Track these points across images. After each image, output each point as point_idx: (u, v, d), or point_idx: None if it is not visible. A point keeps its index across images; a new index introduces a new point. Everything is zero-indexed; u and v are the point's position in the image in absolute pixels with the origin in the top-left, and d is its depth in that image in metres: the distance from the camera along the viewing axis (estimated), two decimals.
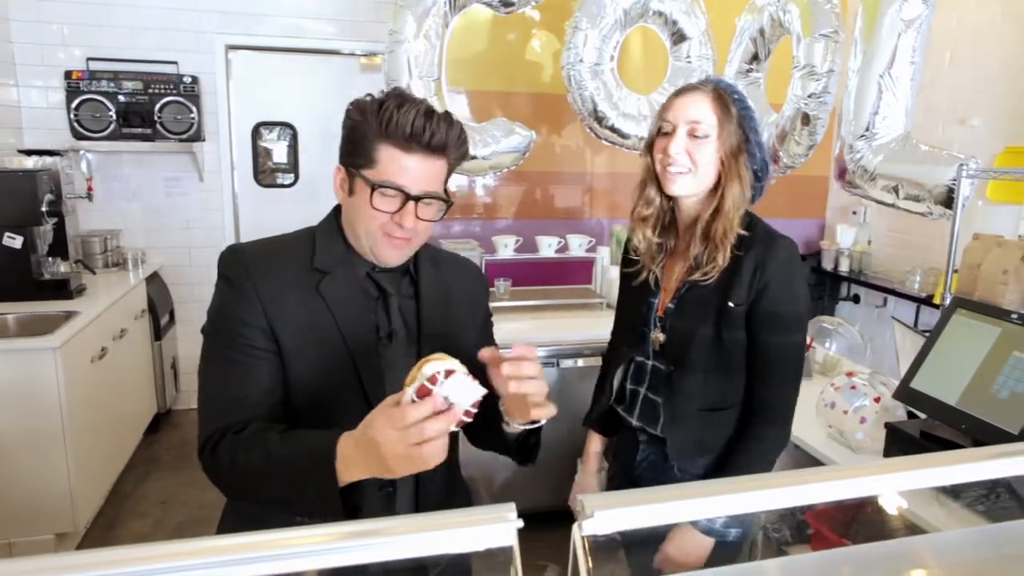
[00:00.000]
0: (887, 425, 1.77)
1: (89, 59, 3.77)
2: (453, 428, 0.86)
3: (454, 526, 0.60)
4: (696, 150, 1.34)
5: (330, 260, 1.09)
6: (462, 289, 1.23)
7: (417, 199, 1.04)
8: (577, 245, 3.41)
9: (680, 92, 1.39)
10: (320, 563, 0.58)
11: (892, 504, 1.57)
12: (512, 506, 0.61)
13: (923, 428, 1.71)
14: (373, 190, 1.02)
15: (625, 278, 1.58)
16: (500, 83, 4.29)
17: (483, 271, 1.34)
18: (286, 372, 1.05)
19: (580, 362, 2.91)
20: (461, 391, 0.86)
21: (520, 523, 0.60)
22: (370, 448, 0.86)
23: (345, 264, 1.10)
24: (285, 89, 4.15)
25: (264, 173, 4.27)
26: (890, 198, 2.47)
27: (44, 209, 2.99)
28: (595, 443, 1.67)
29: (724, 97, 1.35)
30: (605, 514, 0.61)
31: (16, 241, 2.95)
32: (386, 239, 1.06)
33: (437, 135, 1.02)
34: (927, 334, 1.83)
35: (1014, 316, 1.60)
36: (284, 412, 1.06)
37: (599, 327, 3.05)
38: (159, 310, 3.82)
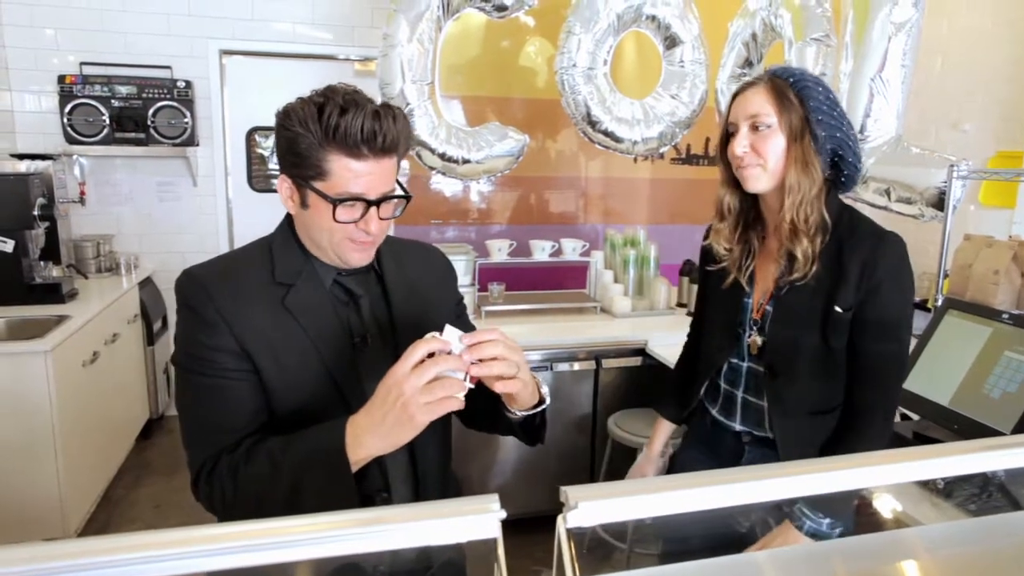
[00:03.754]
0: None
1: (83, 64, 3.77)
2: (461, 376, 0.90)
3: (436, 517, 0.59)
4: (760, 143, 1.32)
5: (291, 272, 1.06)
6: (428, 276, 1.21)
7: (378, 203, 1.01)
8: (571, 249, 3.41)
9: (738, 91, 1.38)
10: (298, 555, 0.57)
11: (886, 506, 1.57)
12: (495, 497, 0.60)
13: (916, 429, 1.71)
14: (335, 206, 0.98)
15: (708, 277, 1.54)
16: (495, 88, 4.29)
17: (447, 258, 1.31)
18: (265, 391, 1.03)
19: (576, 366, 2.90)
20: (456, 340, 0.92)
21: (503, 514, 0.59)
22: (385, 404, 0.88)
23: (308, 274, 1.07)
24: (279, 94, 4.08)
25: (258, 178, 4.26)
26: (882, 201, 2.47)
27: (36, 213, 2.98)
28: (663, 431, 1.67)
29: (780, 84, 1.32)
30: (590, 506, 0.61)
31: (7, 245, 2.94)
32: (351, 244, 1.04)
33: (388, 135, 0.98)
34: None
35: (1005, 316, 1.60)
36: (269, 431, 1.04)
37: (593, 331, 3.06)
38: (152, 315, 3.81)
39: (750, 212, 1.44)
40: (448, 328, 0.93)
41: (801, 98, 1.30)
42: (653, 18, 3.06)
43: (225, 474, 0.98)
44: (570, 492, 0.61)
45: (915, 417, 1.76)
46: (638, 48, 4.15)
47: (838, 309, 1.30)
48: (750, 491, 0.65)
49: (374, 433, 0.90)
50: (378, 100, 1.05)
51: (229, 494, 0.98)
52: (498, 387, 0.95)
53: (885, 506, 1.56)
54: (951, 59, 3.81)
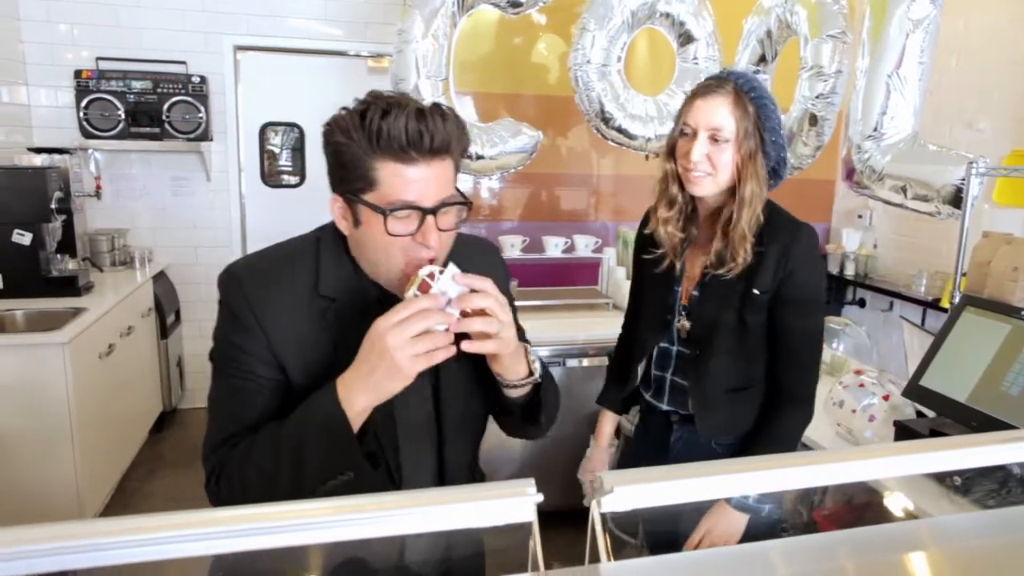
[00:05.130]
0: (896, 423, 1.76)
1: (98, 59, 3.79)
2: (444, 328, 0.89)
3: (472, 499, 0.60)
4: (716, 154, 1.38)
5: (336, 285, 1.01)
6: None
7: (434, 211, 0.93)
8: (583, 246, 3.41)
9: (701, 94, 1.39)
10: (336, 535, 0.58)
11: (903, 502, 1.57)
12: (531, 481, 0.61)
13: (932, 426, 1.71)
14: (386, 216, 0.91)
15: (644, 265, 1.61)
16: (506, 85, 4.30)
17: (503, 259, 1.24)
18: (294, 403, 0.98)
19: (585, 362, 2.91)
20: (449, 280, 0.90)
21: (539, 497, 0.60)
22: (371, 354, 0.87)
23: (353, 290, 1.02)
24: (292, 90, 4.16)
25: (271, 174, 4.28)
26: (898, 198, 2.46)
27: (53, 206, 3.00)
28: (608, 421, 1.76)
29: (742, 97, 1.37)
30: (624, 491, 0.61)
31: (25, 238, 2.97)
32: (406, 273, 0.95)
33: (437, 135, 0.90)
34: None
35: None
36: None
37: (605, 327, 3.05)
38: (165, 309, 3.83)
39: (688, 206, 1.52)
40: (451, 266, 0.91)
41: (760, 116, 1.37)
42: (667, 15, 3.05)
43: (233, 469, 0.97)
44: (605, 477, 0.62)
45: (931, 414, 1.76)
46: (652, 45, 4.14)
47: (756, 292, 1.42)
48: (784, 478, 0.65)
49: (364, 386, 0.89)
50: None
51: (237, 489, 0.97)
52: (464, 345, 0.91)
53: (902, 502, 1.56)
54: (967, 57, 3.79)
